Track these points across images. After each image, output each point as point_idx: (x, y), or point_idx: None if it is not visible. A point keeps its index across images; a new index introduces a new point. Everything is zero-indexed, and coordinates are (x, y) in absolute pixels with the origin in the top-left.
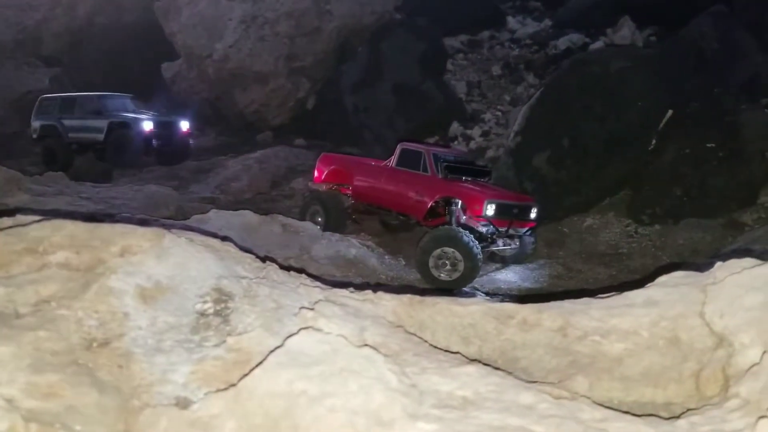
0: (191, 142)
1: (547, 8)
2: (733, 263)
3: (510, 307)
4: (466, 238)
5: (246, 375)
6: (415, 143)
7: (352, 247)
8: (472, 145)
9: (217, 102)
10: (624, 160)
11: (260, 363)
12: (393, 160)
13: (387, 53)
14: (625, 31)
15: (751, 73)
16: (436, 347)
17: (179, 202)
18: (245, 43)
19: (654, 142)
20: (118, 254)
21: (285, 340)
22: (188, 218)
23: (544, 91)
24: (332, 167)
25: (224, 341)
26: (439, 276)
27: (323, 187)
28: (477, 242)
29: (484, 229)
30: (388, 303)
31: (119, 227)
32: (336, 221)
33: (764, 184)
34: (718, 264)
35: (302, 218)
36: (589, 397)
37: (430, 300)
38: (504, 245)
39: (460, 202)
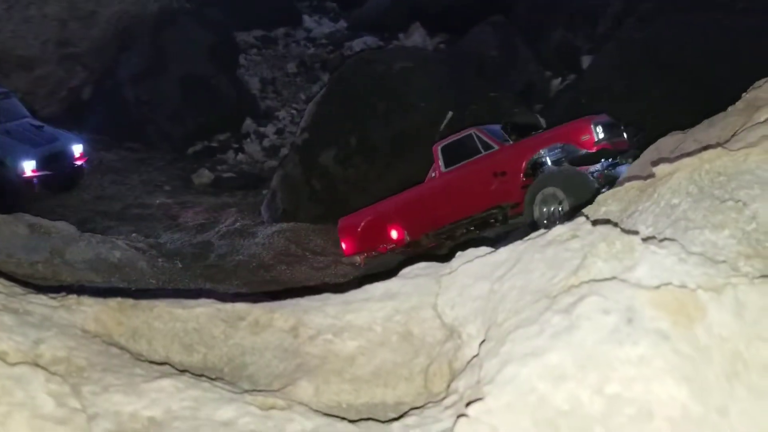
0: (84, 166)
1: (342, 9)
2: (469, 252)
3: (241, 307)
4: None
5: None
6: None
7: (117, 249)
8: (266, 143)
9: None
10: (411, 159)
11: None
12: (438, 168)
13: (172, 44)
14: (417, 37)
15: (527, 81)
16: (149, 360)
17: None
18: (6, 25)
19: None
20: None
21: None
22: None
23: (329, 88)
24: (362, 225)
25: None
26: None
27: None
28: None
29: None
30: (89, 309)
31: None
32: None
33: None
34: (459, 253)
35: None
36: (310, 404)
37: (146, 303)
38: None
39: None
